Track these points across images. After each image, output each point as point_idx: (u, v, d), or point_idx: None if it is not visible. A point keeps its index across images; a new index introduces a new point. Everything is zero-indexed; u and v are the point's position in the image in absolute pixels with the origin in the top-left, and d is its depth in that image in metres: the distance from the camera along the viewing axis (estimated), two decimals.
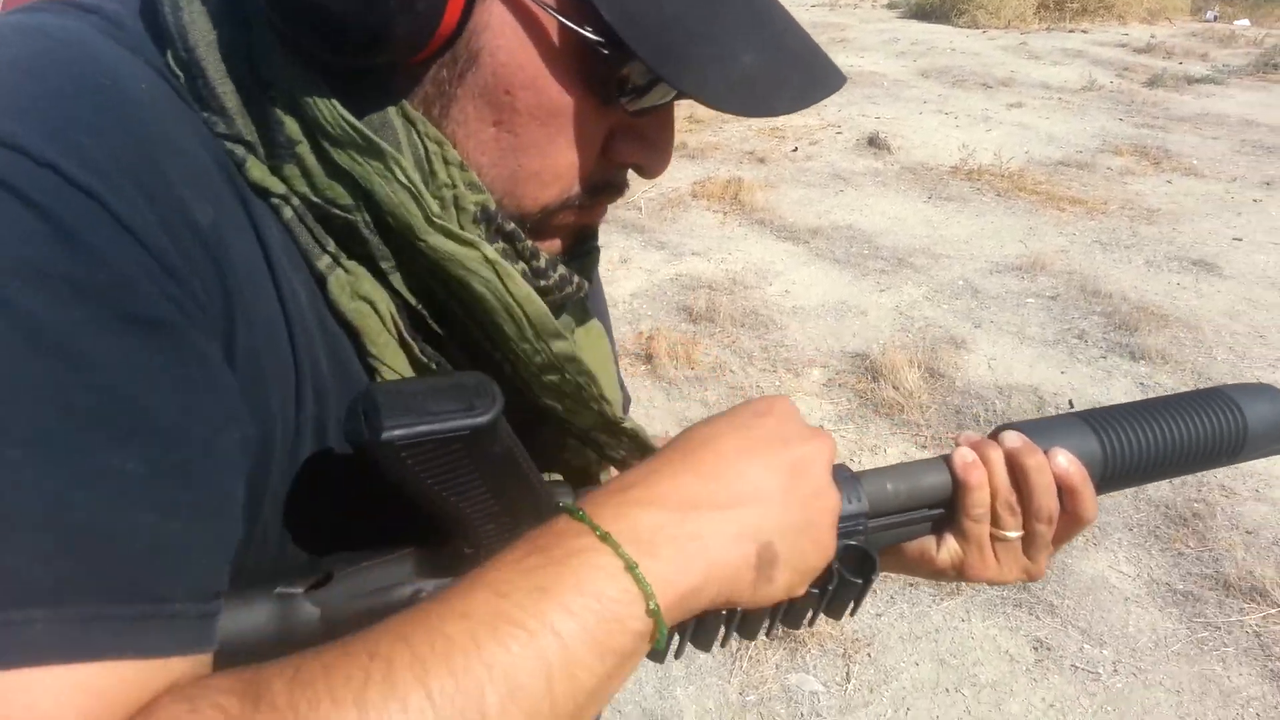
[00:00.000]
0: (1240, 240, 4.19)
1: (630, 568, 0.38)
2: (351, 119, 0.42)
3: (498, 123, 0.44)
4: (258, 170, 0.42)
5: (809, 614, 0.52)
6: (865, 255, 4.27)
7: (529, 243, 0.48)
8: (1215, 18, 10.50)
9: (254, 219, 0.42)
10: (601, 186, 0.49)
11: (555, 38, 0.43)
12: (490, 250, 0.45)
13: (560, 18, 0.42)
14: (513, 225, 0.47)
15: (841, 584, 0.50)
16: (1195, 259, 4.00)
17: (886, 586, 2.33)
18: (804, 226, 4.65)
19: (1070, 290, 3.76)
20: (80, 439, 0.32)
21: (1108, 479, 0.60)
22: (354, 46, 0.40)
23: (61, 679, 0.31)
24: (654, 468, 0.43)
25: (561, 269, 0.51)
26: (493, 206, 0.46)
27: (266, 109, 0.42)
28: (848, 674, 2.11)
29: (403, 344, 0.47)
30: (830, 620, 0.51)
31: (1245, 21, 10.18)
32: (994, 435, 0.59)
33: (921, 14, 10.86)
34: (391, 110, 0.43)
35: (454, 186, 0.44)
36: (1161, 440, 0.60)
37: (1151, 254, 4.09)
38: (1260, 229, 4.31)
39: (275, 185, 0.43)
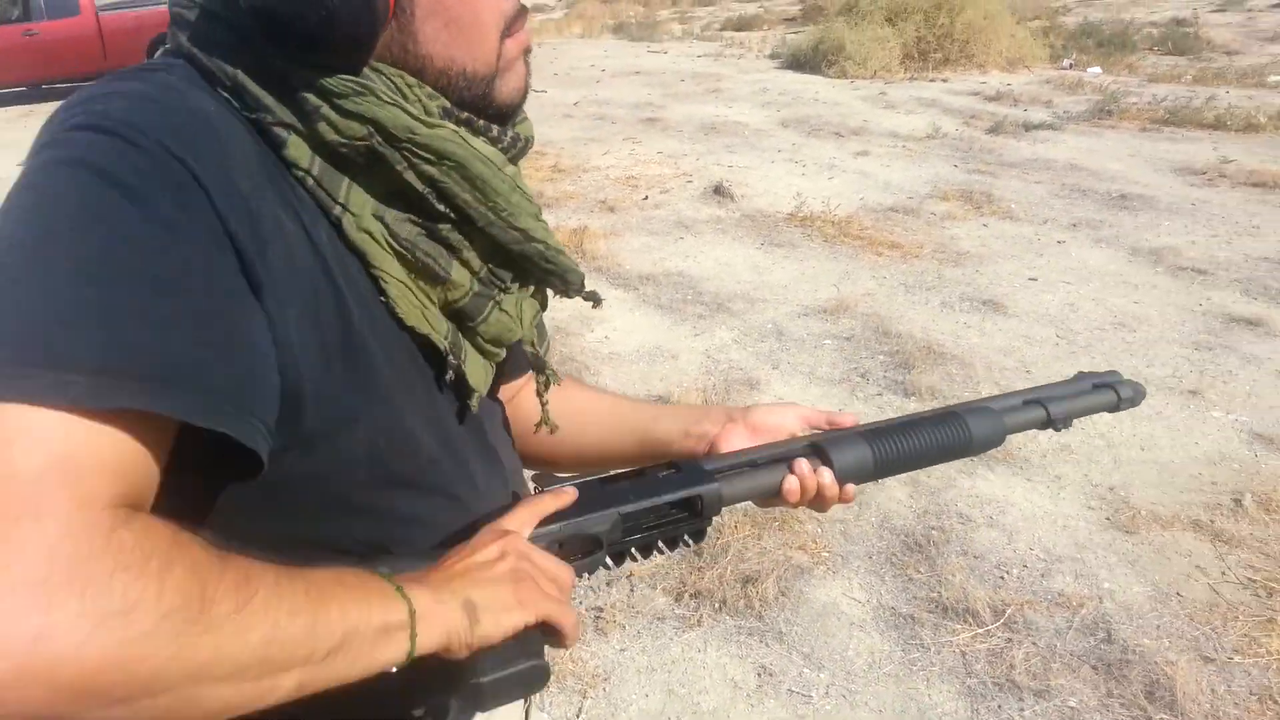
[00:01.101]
0: (1035, 280, 4.46)
1: (411, 641, 0.57)
2: (347, 78, 0.61)
3: (449, 23, 0.64)
4: (293, 148, 0.61)
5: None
6: (688, 300, 4.43)
7: (481, 122, 0.68)
8: (1071, 65, 11.09)
9: (288, 190, 0.61)
10: (513, 14, 0.69)
11: None
12: (452, 127, 0.65)
13: None
14: (467, 114, 0.67)
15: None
16: (986, 299, 4.25)
17: (634, 621, 2.43)
18: (638, 274, 4.81)
19: (866, 331, 3.96)
20: (133, 269, 0.50)
21: (879, 470, 0.87)
22: (330, 54, 0.60)
23: (72, 424, 0.46)
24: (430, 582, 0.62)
25: (511, 132, 0.71)
26: (449, 104, 0.66)
27: (294, 95, 0.61)
28: (580, 709, 2.20)
29: (396, 254, 0.66)
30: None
31: (1097, 69, 10.76)
32: (813, 446, 0.85)
33: (796, 65, 11.27)
34: (366, 70, 0.62)
35: (419, 101, 0.64)
36: (913, 445, 0.88)
37: (949, 295, 4.33)
38: (1056, 269, 4.59)
39: (302, 159, 0.62)
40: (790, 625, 2.39)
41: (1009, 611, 2.37)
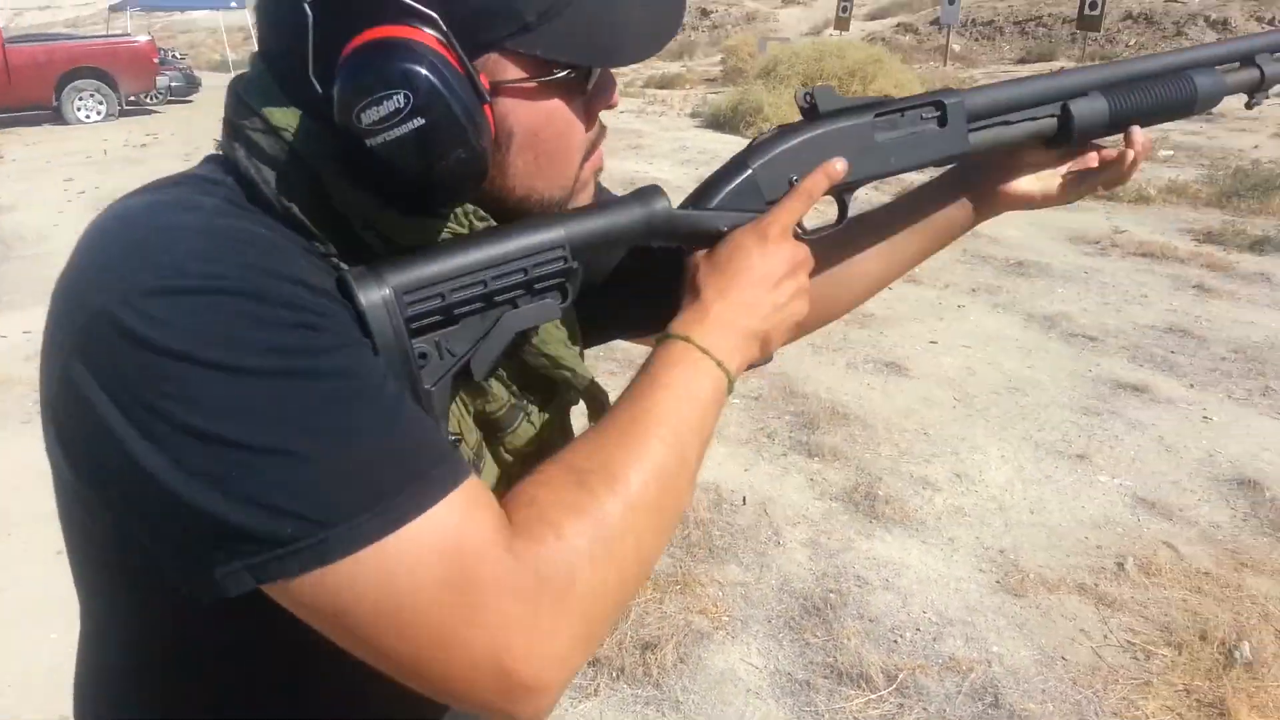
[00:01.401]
0: (935, 343, 4.60)
1: (726, 371, 0.71)
2: (411, 222, 0.66)
3: (540, 158, 0.67)
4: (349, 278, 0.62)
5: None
6: (599, 358, 4.44)
7: None
8: None
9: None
10: (595, 139, 0.72)
11: (546, 90, 0.65)
12: None
13: (542, 80, 0.64)
14: None
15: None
16: (889, 361, 4.37)
17: None
18: None
19: (773, 391, 4.02)
20: (358, 410, 0.56)
21: (1113, 126, 0.92)
22: (452, 196, 0.65)
23: (445, 509, 0.55)
24: (705, 305, 0.73)
25: None
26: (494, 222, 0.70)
27: (349, 229, 0.64)
28: None
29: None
30: None
31: None
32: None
33: (716, 124, 11.54)
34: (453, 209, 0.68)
35: (469, 223, 0.69)
36: (1147, 101, 0.93)
37: (854, 356, 4.43)
38: (956, 333, 4.74)
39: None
40: (687, 693, 2.38)
41: (901, 676, 2.40)
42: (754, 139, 0.82)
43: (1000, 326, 4.83)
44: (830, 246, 0.90)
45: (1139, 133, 0.91)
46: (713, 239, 0.77)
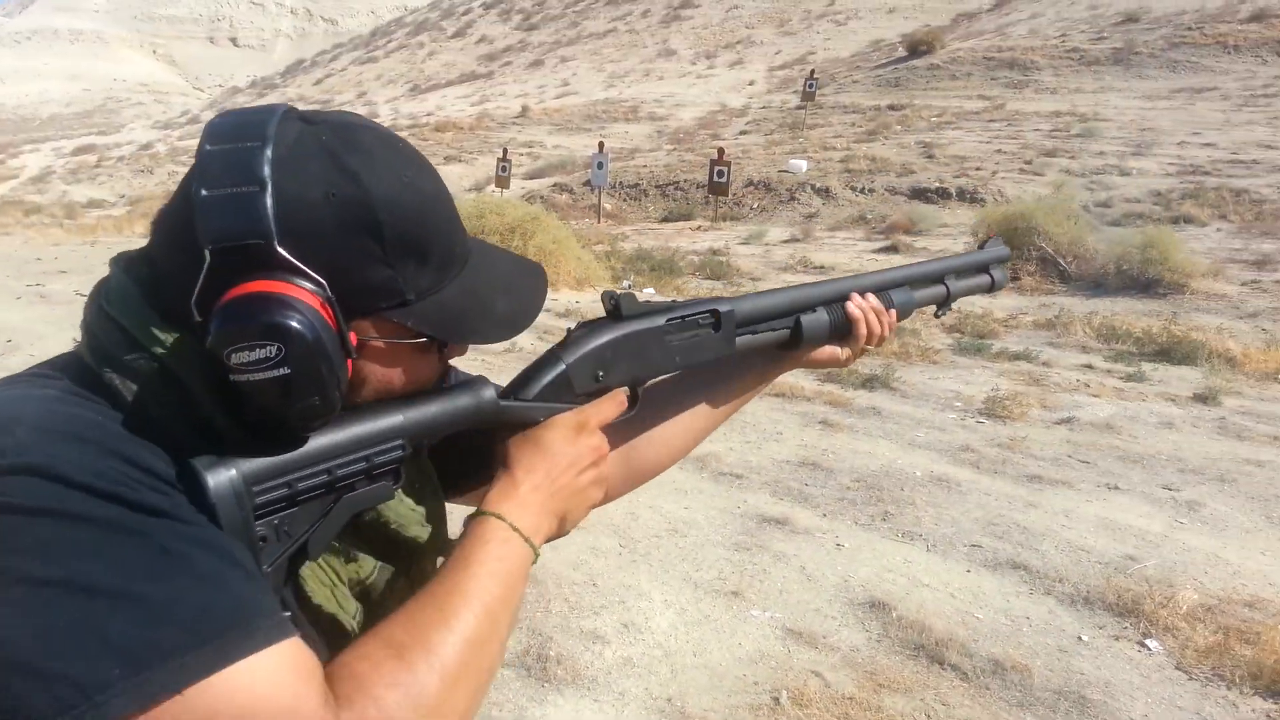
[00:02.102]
0: None
1: (531, 545, 0.80)
2: (258, 442, 0.71)
3: (388, 394, 0.78)
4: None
5: None
6: None
7: None
8: (630, 285, 12.37)
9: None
10: (443, 370, 0.85)
11: (404, 353, 0.77)
12: None
13: (405, 342, 0.75)
14: None
15: None
16: None
17: None
18: None
19: None
20: (178, 578, 0.60)
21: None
22: (291, 428, 0.70)
23: (273, 658, 0.60)
24: (516, 484, 0.83)
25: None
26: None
27: (210, 431, 0.69)
28: None
29: None
30: None
31: (651, 290, 12.11)
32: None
33: None
34: None
35: None
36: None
37: None
38: None
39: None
40: None
41: None
42: (566, 333, 0.94)
43: None
44: (625, 427, 1.04)
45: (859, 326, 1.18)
46: (528, 426, 0.87)
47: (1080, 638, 3.34)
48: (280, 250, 0.66)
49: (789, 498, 4.69)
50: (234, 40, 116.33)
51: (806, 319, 1.12)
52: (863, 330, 1.16)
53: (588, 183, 19.38)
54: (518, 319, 0.82)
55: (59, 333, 8.09)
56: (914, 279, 1.27)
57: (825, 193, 17.54)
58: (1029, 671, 3.11)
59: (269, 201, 0.67)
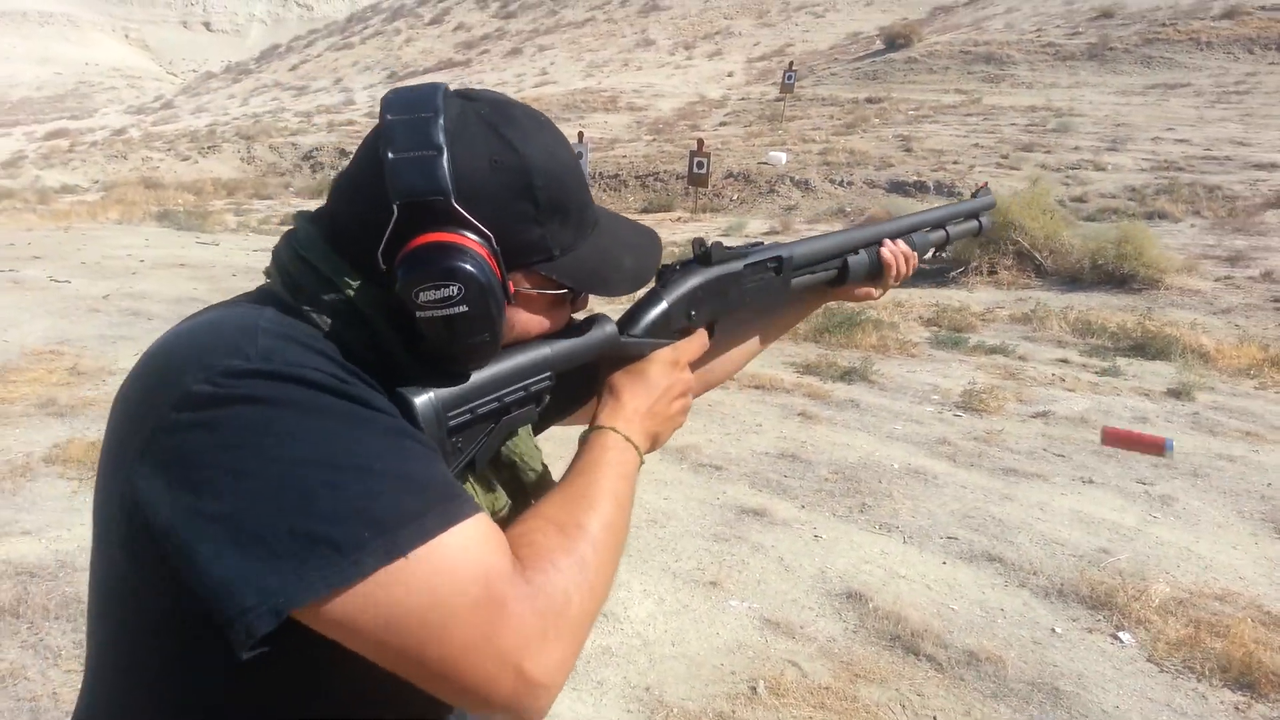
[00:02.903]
0: None
1: (639, 453, 0.93)
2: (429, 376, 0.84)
3: (524, 337, 0.90)
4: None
5: None
6: None
7: None
8: None
9: None
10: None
11: (546, 303, 0.89)
12: None
13: (547, 292, 0.88)
14: None
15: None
16: None
17: None
18: None
19: None
20: (404, 459, 0.72)
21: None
22: (459, 363, 0.83)
23: (473, 526, 0.72)
24: (623, 405, 0.96)
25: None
26: None
27: (391, 365, 0.81)
28: None
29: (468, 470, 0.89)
30: None
31: None
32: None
33: None
34: None
35: None
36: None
37: None
38: None
39: None
40: None
41: None
42: (663, 270, 1.06)
43: None
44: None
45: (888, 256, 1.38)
46: (636, 358, 1.00)
47: (1054, 630, 3.38)
48: (457, 206, 0.77)
49: (768, 489, 4.70)
50: (207, 25, 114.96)
51: (853, 260, 1.31)
52: (893, 271, 1.37)
53: None
54: (642, 274, 0.95)
55: (33, 319, 7.99)
56: (927, 224, 1.49)
57: (804, 185, 17.58)
58: (1003, 663, 3.14)
59: (445, 164, 0.77)
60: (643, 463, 0.94)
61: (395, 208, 0.76)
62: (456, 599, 0.69)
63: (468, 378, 0.84)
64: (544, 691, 0.72)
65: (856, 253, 1.32)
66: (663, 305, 1.02)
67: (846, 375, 6.82)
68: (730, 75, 34.30)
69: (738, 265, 1.11)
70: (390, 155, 0.77)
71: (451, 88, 0.85)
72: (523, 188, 0.82)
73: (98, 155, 28.70)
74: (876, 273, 1.36)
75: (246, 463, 0.67)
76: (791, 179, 17.90)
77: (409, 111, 0.79)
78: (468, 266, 0.76)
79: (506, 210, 0.81)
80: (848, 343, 7.81)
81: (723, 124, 25.34)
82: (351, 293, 0.79)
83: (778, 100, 25.15)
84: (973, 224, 1.62)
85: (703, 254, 1.08)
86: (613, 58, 41.00)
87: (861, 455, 5.20)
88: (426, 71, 46.07)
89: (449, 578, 0.69)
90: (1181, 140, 17.28)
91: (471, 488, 0.88)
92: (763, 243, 1.21)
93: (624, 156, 21.84)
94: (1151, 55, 24.59)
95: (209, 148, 28.85)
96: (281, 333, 0.74)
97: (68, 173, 26.29)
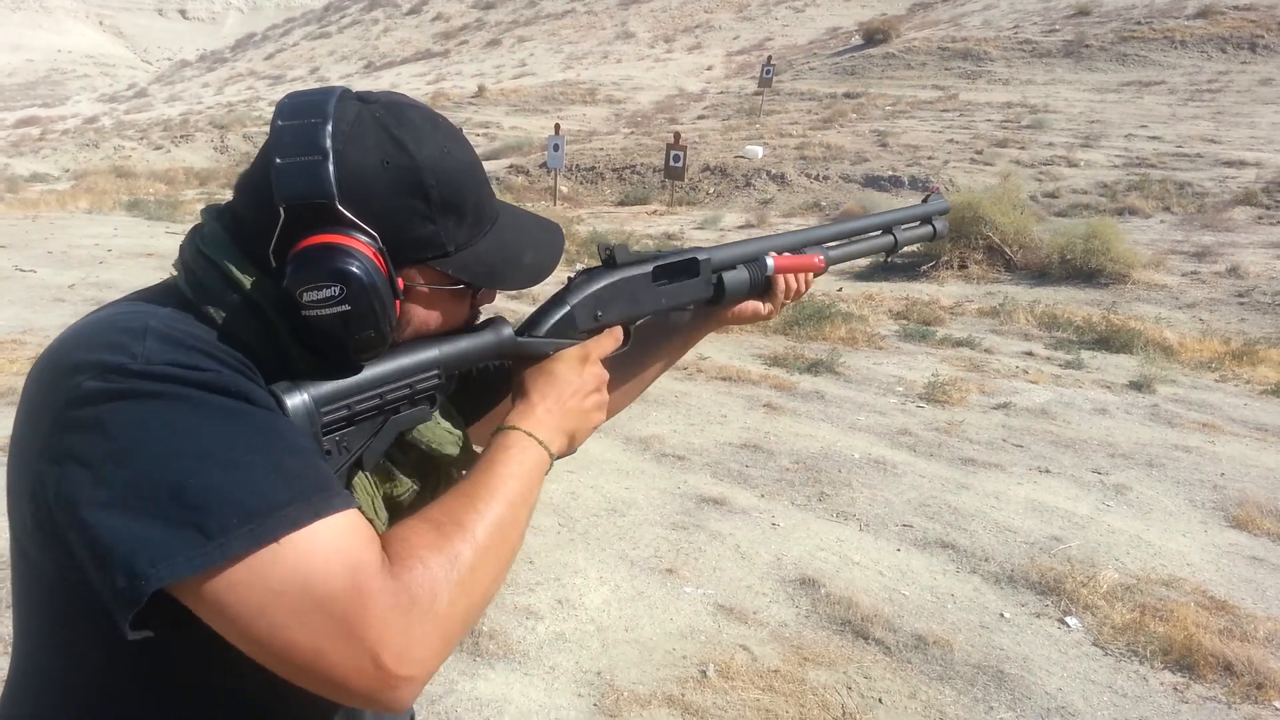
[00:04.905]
0: None
1: (546, 449, 0.94)
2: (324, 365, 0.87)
3: (426, 333, 0.93)
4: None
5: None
6: None
7: None
8: (583, 268, 12.35)
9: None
10: (470, 317, 0.99)
11: (444, 298, 0.92)
12: None
13: (443, 288, 0.91)
14: None
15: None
16: None
17: None
18: None
19: None
20: (278, 452, 0.75)
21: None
22: (350, 356, 0.86)
23: (345, 521, 0.75)
24: (532, 405, 0.97)
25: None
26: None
27: (283, 358, 0.85)
28: None
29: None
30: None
31: None
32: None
33: None
34: None
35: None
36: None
37: None
38: (561, 460, 4.90)
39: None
40: None
41: None
42: (569, 278, 1.08)
43: (602, 450, 5.08)
44: (618, 364, 1.18)
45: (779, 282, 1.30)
46: (540, 358, 1.01)
47: (1002, 615, 3.44)
48: (341, 209, 0.81)
49: (729, 479, 4.74)
50: (183, 12, 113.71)
51: (729, 277, 1.23)
52: (785, 288, 1.30)
53: (544, 165, 19.27)
54: (541, 269, 0.97)
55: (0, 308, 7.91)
56: (866, 229, 1.46)
57: (781, 179, 17.63)
58: (950, 646, 3.19)
59: (331, 169, 0.80)
60: (553, 460, 0.94)
61: (282, 210, 0.81)
62: (321, 589, 0.71)
63: (359, 370, 0.86)
64: (404, 684, 0.73)
65: (735, 268, 1.24)
66: (565, 308, 1.04)
67: (813, 367, 6.87)
68: (709, 69, 34.31)
69: (646, 268, 1.12)
70: (278, 161, 0.81)
71: (354, 89, 0.90)
72: (413, 185, 0.85)
73: (69, 144, 28.37)
74: (764, 290, 1.28)
75: (128, 456, 0.71)
76: (768, 173, 17.95)
77: (298, 117, 0.83)
78: (349, 267, 0.80)
79: (398, 209, 0.85)
80: (816, 335, 7.85)
81: (701, 117, 25.35)
82: (248, 287, 0.83)
83: (756, 95, 25.18)
84: (926, 229, 1.56)
85: (608, 257, 1.10)
86: (592, 50, 40.90)
87: (823, 445, 5.25)
88: (404, 62, 45.81)
89: (315, 567, 0.71)
90: (1154, 137, 17.45)
91: (364, 480, 0.91)
92: (693, 247, 1.21)
93: (601, 149, 21.82)
94: (1126, 53, 24.79)
95: (182, 137, 28.57)
96: (169, 333, 0.77)
97: (38, 161, 25.97)
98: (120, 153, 26.72)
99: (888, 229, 1.50)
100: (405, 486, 0.94)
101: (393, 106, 0.88)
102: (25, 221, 14.07)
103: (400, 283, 0.85)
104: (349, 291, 0.79)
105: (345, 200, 0.81)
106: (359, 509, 0.79)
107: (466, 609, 0.78)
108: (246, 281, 0.83)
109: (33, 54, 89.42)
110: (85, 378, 0.73)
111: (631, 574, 3.66)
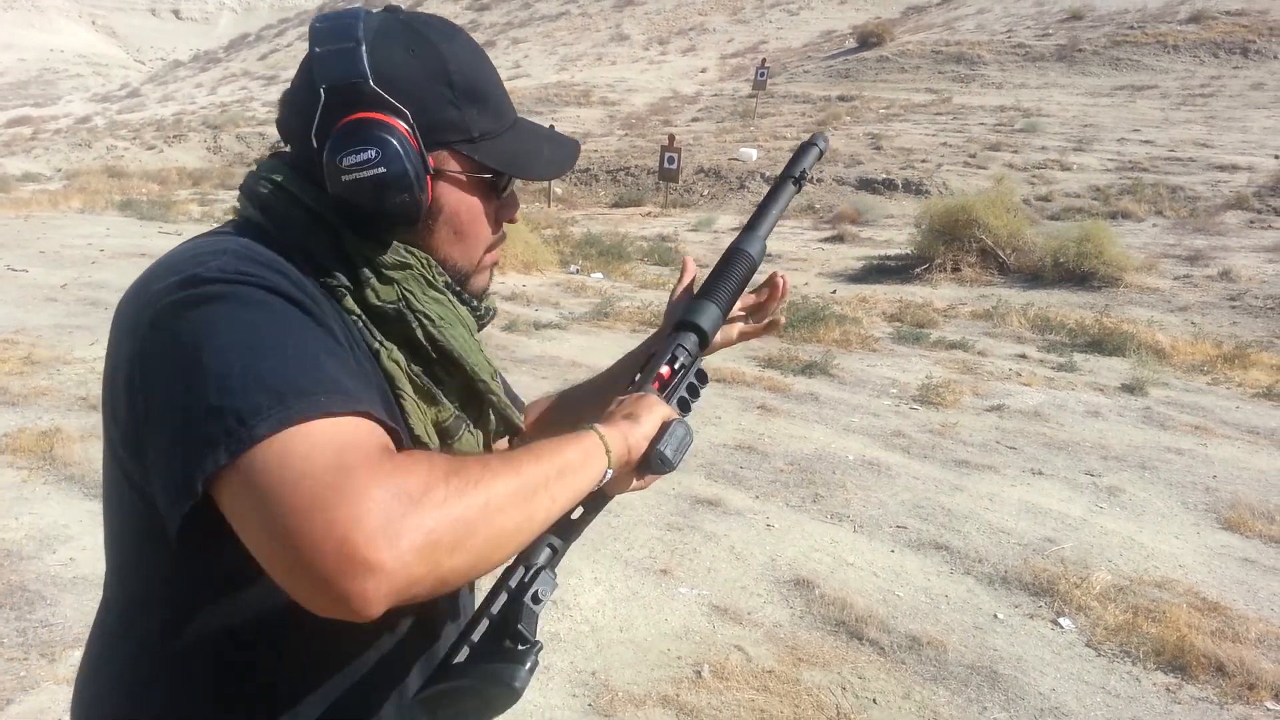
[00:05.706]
0: None
1: (607, 452, 0.91)
2: (396, 253, 0.93)
3: (456, 233, 0.97)
4: (349, 301, 0.90)
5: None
6: None
7: (466, 295, 1.00)
8: (578, 270, 12.35)
9: (346, 325, 0.90)
10: (496, 241, 1.03)
11: (471, 185, 0.97)
12: (449, 297, 0.97)
13: (471, 175, 0.96)
14: (459, 288, 0.99)
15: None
16: None
17: None
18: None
19: None
20: (323, 354, 0.80)
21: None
22: (391, 227, 0.93)
23: (353, 421, 0.75)
24: (616, 420, 0.96)
25: (485, 303, 1.05)
26: (451, 280, 0.98)
27: (351, 266, 0.91)
28: None
29: (410, 380, 0.93)
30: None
31: (599, 275, 12.11)
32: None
33: None
34: (401, 247, 0.94)
35: (433, 274, 0.96)
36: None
37: None
38: None
39: (354, 309, 0.90)
40: None
41: None
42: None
43: None
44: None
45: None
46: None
47: (996, 616, 3.45)
48: (375, 88, 0.88)
49: (723, 480, 4.74)
50: (176, 13, 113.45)
51: (706, 323, 1.23)
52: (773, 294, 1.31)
53: None
54: (561, 164, 1.04)
55: None
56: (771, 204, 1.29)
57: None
58: (944, 647, 3.20)
59: (364, 53, 0.88)
60: (610, 464, 0.91)
61: (321, 91, 0.88)
62: (318, 465, 0.70)
63: (389, 244, 0.93)
64: (368, 574, 0.67)
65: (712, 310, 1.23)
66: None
67: (808, 369, 6.88)
68: (704, 71, 34.35)
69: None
70: (316, 50, 0.90)
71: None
72: (438, 71, 0.93)
73: (61, 143, 28.29)
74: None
75: (190, 354, 0.76)
76: (762, 175, 17.97)
77: (333, 19, 0.92)
78: (384, 134, 0.87)
79: (425, 92, 0.92)
80: (810, 337, 7.87)
81: (695, 120, 25.38)
82: (309, 201, 0.92)
83: (750, 97, 25.23)
84: (813, 151, 1.34)
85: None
86: (587, 52, 40.93)
87: (818, 447, 5.25)
88: None
89: (328, 449, 0.71)
90: (1146, 141, 17.53)
91: (415, 404, 0.94)
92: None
93: (595, 151, 21.82)
94: (1119, 57, 24.90)
95: (175, 137, 28.51)
96: (242, 251, 0.84)
97: (30, 161, 25.88)
98: (113, 152, 26.65)
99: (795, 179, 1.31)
100: (449, 412, 0.97)
101: (414, 14, 0.97)
102: (17, 221, 14.02)
103: (432, 162, 0.92)
104: (384, 155, 0.87)
105: (378, 82, 0.88)
106: (377, 423, 0.77)
107: (465, 537, 0.73)
108: (306, 196, 0.91)
109: (25, 53, 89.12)
110: (166, 288, 0.80)
111: (626, 574, 3.66)
